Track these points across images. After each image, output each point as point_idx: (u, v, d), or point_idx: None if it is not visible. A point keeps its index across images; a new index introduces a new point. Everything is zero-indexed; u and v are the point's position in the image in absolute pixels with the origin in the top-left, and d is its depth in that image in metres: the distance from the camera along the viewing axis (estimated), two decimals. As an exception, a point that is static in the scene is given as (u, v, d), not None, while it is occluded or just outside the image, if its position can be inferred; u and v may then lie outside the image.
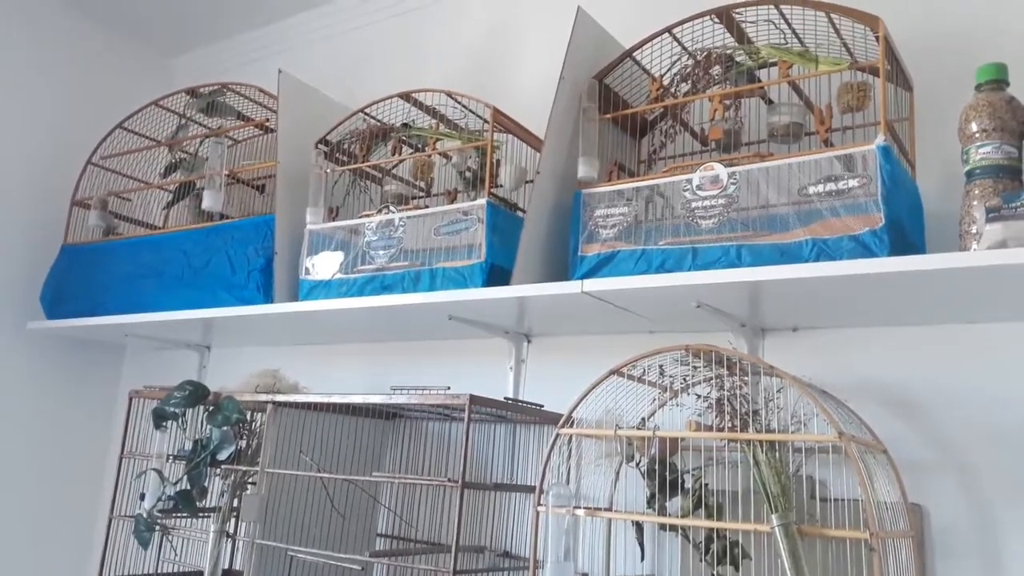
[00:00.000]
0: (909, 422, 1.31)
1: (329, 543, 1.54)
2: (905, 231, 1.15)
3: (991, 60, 1.15)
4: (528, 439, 1.65)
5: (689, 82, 1.39)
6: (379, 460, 1.77)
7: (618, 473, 1.35)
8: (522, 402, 1.50)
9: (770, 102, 1.39)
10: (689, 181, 1.27)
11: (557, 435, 1.26)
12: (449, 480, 1.35)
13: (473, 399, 1.35)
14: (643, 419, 1.30)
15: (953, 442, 1.27)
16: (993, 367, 1.25)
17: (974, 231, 1.06)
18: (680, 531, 1.27)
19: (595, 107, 1.42)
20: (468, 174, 1.67)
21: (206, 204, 1.86)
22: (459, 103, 1.64)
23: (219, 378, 2.22)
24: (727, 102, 1.33)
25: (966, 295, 1.13)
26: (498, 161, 1.64)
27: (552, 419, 1.46)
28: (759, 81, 1.37)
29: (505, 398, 1.49)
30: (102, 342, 2.43)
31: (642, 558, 1.31)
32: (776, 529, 1.06)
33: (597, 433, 1.25)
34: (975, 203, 1.08)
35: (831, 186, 1.15)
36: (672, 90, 1.42)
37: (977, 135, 1.10)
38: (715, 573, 1.19)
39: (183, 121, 2.13)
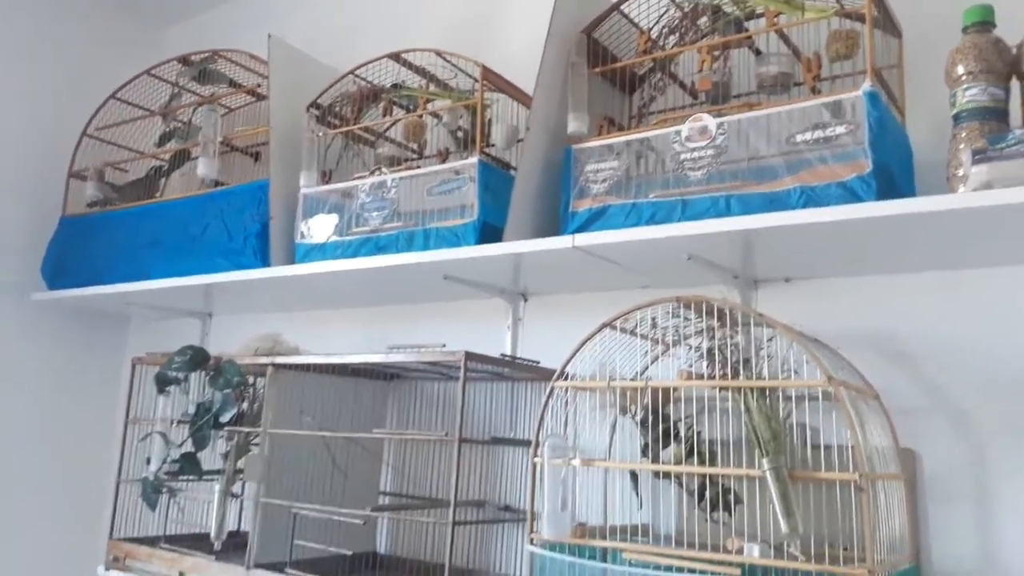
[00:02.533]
0: (903, 369, 1.32)
1: (332, 501, 1.57)
2: (894, 177, 1.15)
3: (978, 3, 1.14)
4: (527, 396, 1.67)
5: (677, 34, 1.39)
6: (380, 420, 1.79)
7: (614, 425, 1.37)
8: (518, 358, 1.52)
9: (759, 52, 1.38)
10: (678, 133, 1.27)
11: (552, 389, 1.28)
12: (446, 435, 1.37)
13: (468, 355, 1.37)
14: (638, 371, 1.31)
15: (946, 388, 1.28)
16: (986, 312, 1.26)
17: (961, 174, 1.06)
18: (675, 479, 1.29)
19: (583, 62, 1.42)
20: (460, 134, 1.67)
21: (201, 172, 1.87)
22: (449, 62, 1.64)
23: (221, 345, 2.23)
24: (715, 53, 1.33)
25: (955, 239, 1.14)
26: (490, 120, 1.64)
27: (549, 375, 1.47)
28: (747, 31, 1.36)
29: (501, 355, 1.51)
30: (107, 312, 2.45)
31: (639, 507, 1.33)
32: (767, 473, 1.07)
33: (591, 386, 1.26)
34: (962, 146, 1.08)
35: (819, 133, 1.15)
36: (660, 43, 1.41)
37: (963, 78, 1.10)
38: (709, 519, 1.21)
39: (176, 90, 2.13)
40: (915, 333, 1.31)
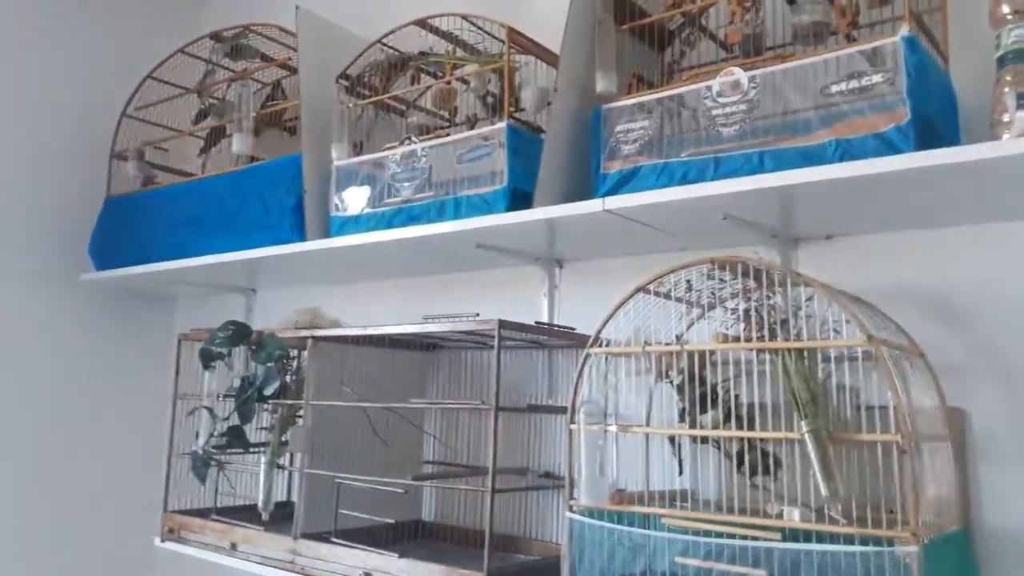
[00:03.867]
0: (950, 326, 1.28)
1: (377, 470, 1.58)
2: (935, 126, 1.10)
3: (1025, -64, 1.08)
4: (564, 363, 1.66)
5: (707, -14, 1.34)
6: (421, 391, 1.80)
7: (652, 390, 1.36)
8: (553, 325, 1.50)
9: (792, 1, 1.33)
10: (709, 88, 1.23)
11: (587, 355, 1.26)
12: (482, 403, 1.37)
13: (502, 323, 1.36)
14: (677, 336, 1.29)
15: (995, 344, 1.23)
16: (1035, 264, 1.21)
17: (1006, 120, 1.01)
18: (713, 444, 1.27)
19: (611, 18, 1.38)
20: (489, 99, 1.64)
21: (235, 148, 1.88)
22: (475, 25, 1.61)
23: (266, 319, 2.27)
24: (746, 4, 1.28)
25: (1000, 189, 1.09)
26: (519, 84, 1.61)
27: (585, 341, 1.46)
28: (780, -22, 1.31)
29: (536, 322, 1.49)
30: (153, 290, 2.50)
31: (680, 472, 1.31)
32: (806, 436, 1.05)
33: (626, 351, 1.25)
34: (1007, 90, 1.02)
35: (854, 83, 1.10)
36: (690, -5, 1.37)
37: (1009, 17, 1.04)
38: (749, 483, 1.19)
39: (209, 67, 2.13)
40: (962, 288, 1.26)
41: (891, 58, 1.08)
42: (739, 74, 1.20)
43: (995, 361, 1.23)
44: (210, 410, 1.70)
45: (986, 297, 1.24)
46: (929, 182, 1.06)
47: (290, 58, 1.97)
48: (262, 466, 1.63)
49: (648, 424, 1.35)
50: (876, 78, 1.08)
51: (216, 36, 2.08)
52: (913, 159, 1.00)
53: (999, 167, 0.98)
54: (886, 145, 1.06)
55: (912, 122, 1.05)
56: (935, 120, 1.11)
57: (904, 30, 1.08)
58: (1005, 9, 1.04)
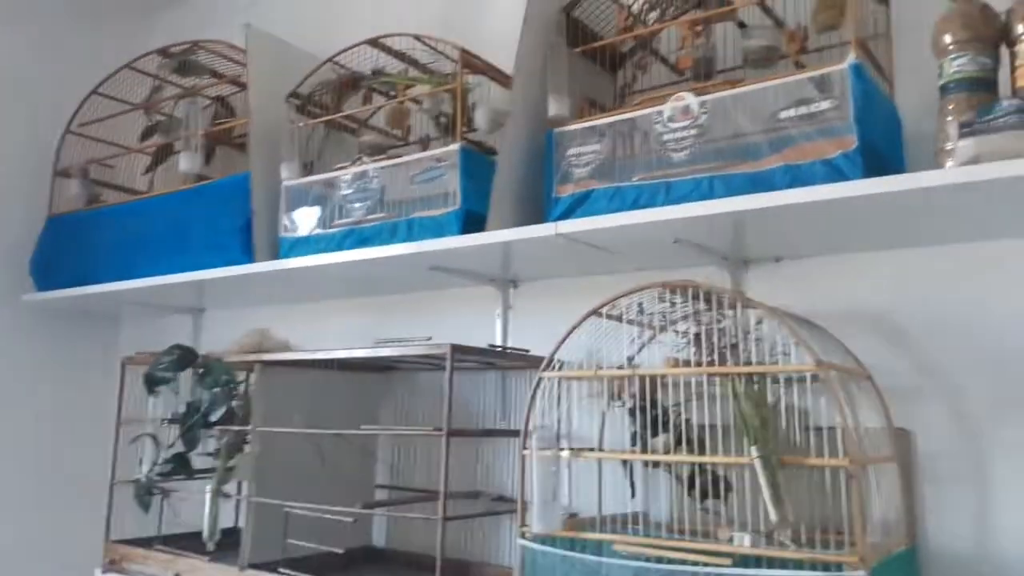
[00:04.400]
0: (896, 347, 1.29)
1: (327, 497, 1.55)
2: (881, 152, 1.12)
3: (967, -33, 1.10)
4: (519, 384, 1.65)
5: (658, 9, 1.35)
6: (374, 413, 1.77)
7: (604, 413, 1.35)
8: (506, 348, 1.49)
9: (743, 25, 1.34)
10: (660, 113, 1.23)
11: (540, 379, 1.25)
12: (435, 429, 1.35)
13: (455, 348, 1.34)
14: (629, 358, 1.29)
15: (940, 365, 1.25)
16: (979, 287, 1.23)
17: (948, 148, 1.03)
18: (665, 468, 1.27)
19: (563, 41, 1.38)
20: (442, 119, 1.63)
21: (183, 166, 1.84)
22: (428, 46, 1.60)
23: (215, 340, 2.22)
24: (697, 28, 1.29)
25: (944, 214, 1.11)
26: (473, 104, 1.60)
27: (539, 363, 1.45)
28: (729, 4, 1.32)
29: (490, 345, 1.48)
30: (98, 311, 2.43)
31: (632, 496, 1.31)
32: (755, 460, 1.05)
33: (579, 375, 1.24)
34: (949, 119, 1.04)
35: (803, 109, 1.11)
36: (642, 19, 1.37)
37: (951, 47, 1.06)
38: (700, 507, 1.19)
39: (157, 83, 2.09)
40: (908, 310, 1.28)
41: (839, 85, 1.09)
42: (689, 99, 1.20)
43: (939, 382, 1.25)
44: (154, 436, 1.66)
45: (930, 319, 1.26)
46: (875, 208, 1.07)
47: (240, 75, 1.93)
48: (207, 494, 1.59)
49: (601, 448, 1.34)
50: (824, 105, 1.10)
51: (164, 52, 2.04)
52: (860, 186, 1.02)
53: (943, 194, 0.99)
54: (834, 171, 1.07)
55: (859, 149, 1.06)
56: (881, 147, 1.12)
57: (851, 58, 1.09)
58: (948, 39, 1.06)
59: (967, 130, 0.97)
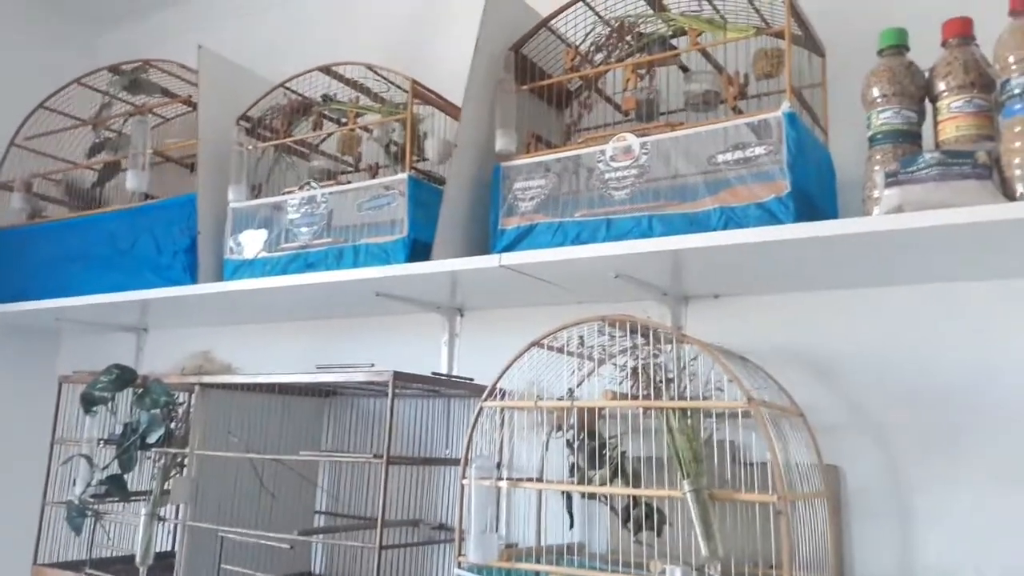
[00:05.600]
0: (827, 385, 1.33)
1: (265, 522, 1.54)
2: (813, 198, 1.16)
3: (898, 24, 1.16)
4: (463, 411, 1.66)
5: (604, 51, 1.38)
6: (317, 438, 1.77)
7: (546, 444, 1.37)
8: (449, 376, 1.50)
9: (685, 70, 1.39)
10: (603, 152, 1.26)
11: (481, 408, 1.27)
12: (374, 456, 1.35)
13: (397, 375, 1.35)
14: (570, 390, 1.31)
15: (867, 404, 1.29)
16: (905, 329, 1.27)
17: (875, 196, 1.07)
18: (602, 499, 1.29)
19: (511, 78, 1.41)
20: (393, 148, 1.65)
21: (130, 184, 1.82)
22: (380, 76, 1.62)
23: (157, 360, 2.19)
24: (640, 71, 1.33)
25: (871, 259, 1.15)
26: (424, 134, 1.62)
27: (483, 391, 1.46)
28: (673, 48, 1.36)
29: (433, 373, 1.49)
30: (36, 327, 2.38)
31: (571, 527, 1.32)
32: (687, 495, 1.08)
33: (519, 405, 1.26)
34: (876, 168, 1.09)
35: (739, 154, 1.15)
36: (588, 59, 1.41)
37: (878, 100, 1.11)
38: (634, 539, 1.21)
39: (106, 99, 2.08)
40: (839, 350, 1.33)
41: (774, 131, 1.13)
42: (631, 139, 1.24)
43: (866, 420, 1.29)
44: (88, 457, 1.63)
45: (859, 358, 1.31)
46: (806, 251, 1.11)
47: (191, 96, 1.93)
48: (142, 517, 1.56)
49: (541, 478, 1.36)
50: (759, 150, 1.14)
51: (115, 69, 2.02)
52: (791, 230, 1.05)
53: (869, 241, 1.04)
54: (767, 214, 1.11)
55: (791, 194, 1.10)
56: (813, 192, 1.17)
57: (785, 106, 1.13)
58: (875, 92, 1.11)
59: (892, 180, 1.01)
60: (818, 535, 1.13)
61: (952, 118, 1.06)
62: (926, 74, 1.10)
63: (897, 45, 1.12)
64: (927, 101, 1.11)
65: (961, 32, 1.08)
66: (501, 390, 1.25)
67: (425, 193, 1.49)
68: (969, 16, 1.10)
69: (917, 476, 1.24)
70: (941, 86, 1.07)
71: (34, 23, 2.51)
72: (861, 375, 1.30)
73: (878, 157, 1.10)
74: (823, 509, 1.16)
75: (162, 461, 1.58)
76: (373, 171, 1.69)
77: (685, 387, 1.17)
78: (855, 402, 1.31)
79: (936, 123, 1.09)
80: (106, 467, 1.59)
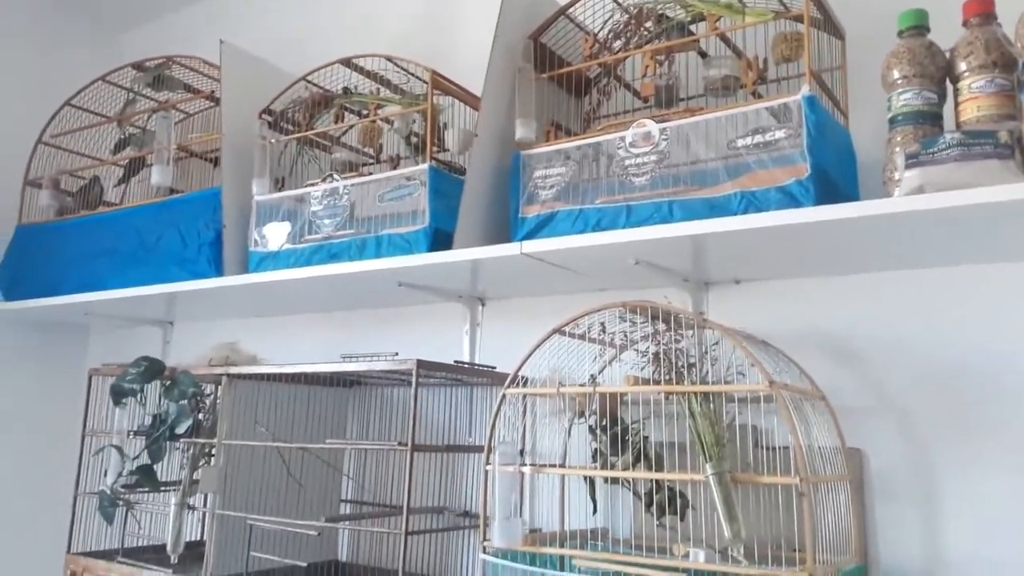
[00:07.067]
0: (850, 369, 1.33)
1: (291, 510, 1.56)
2: (833, 180, 1.16)
3: (918, 6, 1.15)
4: (486, 399, 1.67)
5: (623, 38, 1.39)
6: (341, 427, 1.79)
7: (569, 430, 1.38)
8: (472, 364, 1.51)
9: (704, 55, 1.39)
10: (622, 139, 1.27)
11: (503, 395, 1.28)
12: (399, 443, 1.36)
13: (420, 363, 1.36)
14: (592, 376, 1.31)
15: (892, 387, 1.29)
16: (930, 311, 1.27)
17: (896, 178, 1.07)
18: (623, 484, 1.29)
19: (530, 67, 1.42)
20: (413, 139, 1.66)
21: (155, 179, 1.85)
22: (400, 67, 1.63)
23: (183, 352, 2.23)
24: (659, 57, 1.33)
25: (892, 241, 1.15)
26: (444, 125, 1.63)
27: (505, 379, 1.48)
28: (691, 34, 1.36)
29: (456, 361, 1.50)
30: (65, 322, 2.42)
31: (594, 512, 1.33)
32: (710, 478, 1.08)
33: (541, 392, 1.27)
34: (896, 150, 1.08)
35: (759, 138, 1.15)
36: (607, 46, 1.41)
37: (898, 82, 1.10)
38: (657, 523, 1.22)
39: (131, 96, 2.10)
40: (861, 333, 1.32)
41: (793, 115, 1.13)
42: (650, 126, 1.24)
43: (890, 403, 1.29)
44: (119, 448, 1.66)
45: (882, 341, 1.31)
46: (826, 234, 1.11)
47: (214, 91, 1.95)
48: (172, 506, 1.59)
49: (564, 463, 1.37)
50: (779, 134, 1.13)
51: (138, 66, 2.05)
52: (811, 213, 1.05)
53: (890, 223, 1.04)
54: (788, 198, 1.11)
55: (812, 177, 1.10)
56: (834, 175, 1.16)
57: (805, 89, 1.13)
58: (896, 74, 1.11)
59: (912, 161, 1.01)
60: (841, 518, 1.13)
61: (973, 98, 1.05)
62: (947, 54, 1.09)
63: (917, 26, 1.12)
64: (948, 82, 1.11)
65: (983, 11, 1.08)
66: (523, 377, 1.26)
67: (446, 183, 1.50)
68: (990, -5, 1.09)
69: (940, 458, 1.24)
70: (962, 66, 1.06)
71: (59, 23, 2.55)
72: (883, 358, 1.30)
73: (899, 139, 1.09)
74: (846, 492, 1.17)
75: (191, 451, 1.61)
76: (394, 162, 1.70)
77: (707, 372, 1.17)
78: (877, 385, 1.30)
79: (957, 103, 1.08)
80: (136, 457, 1.62)
